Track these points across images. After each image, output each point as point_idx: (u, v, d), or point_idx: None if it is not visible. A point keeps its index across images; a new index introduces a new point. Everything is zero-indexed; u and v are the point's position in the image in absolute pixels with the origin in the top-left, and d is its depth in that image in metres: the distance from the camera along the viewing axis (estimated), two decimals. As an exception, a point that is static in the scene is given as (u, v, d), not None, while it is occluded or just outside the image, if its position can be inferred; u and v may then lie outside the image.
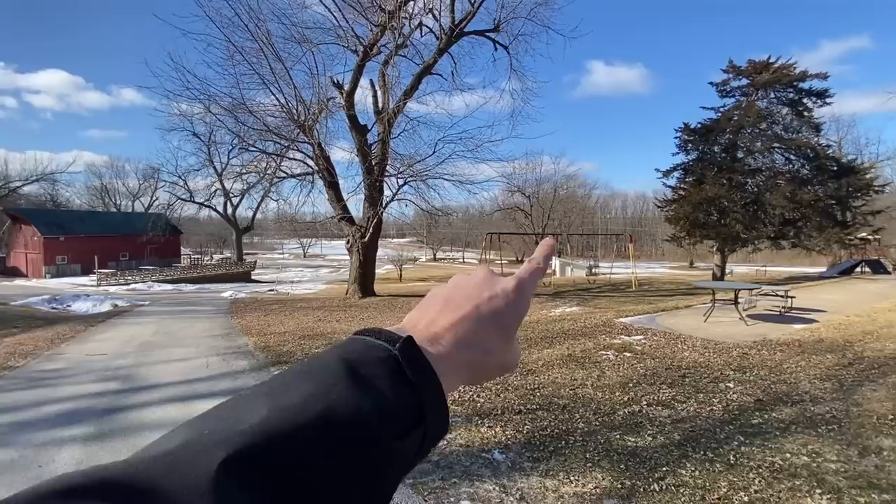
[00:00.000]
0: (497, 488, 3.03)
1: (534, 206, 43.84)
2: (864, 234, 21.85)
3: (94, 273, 29.10)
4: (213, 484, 0.23)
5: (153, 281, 28.66)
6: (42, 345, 7.69)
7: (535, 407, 4.41)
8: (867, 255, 22.60)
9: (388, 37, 14.58)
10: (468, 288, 0.40)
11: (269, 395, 0.29)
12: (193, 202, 36.05)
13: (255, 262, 41.08)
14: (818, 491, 2.85)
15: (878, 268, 21.07)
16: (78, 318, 11.82)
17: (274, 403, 0.28)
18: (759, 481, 2.99)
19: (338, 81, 15.42)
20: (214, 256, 49.12)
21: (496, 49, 16.40)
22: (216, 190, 30.72)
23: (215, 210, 39.18)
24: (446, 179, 16.34)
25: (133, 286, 25.98)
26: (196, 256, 45.25)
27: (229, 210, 40.12)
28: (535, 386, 5.02)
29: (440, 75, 16.57)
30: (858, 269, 21.39)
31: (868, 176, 20.58)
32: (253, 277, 35.42)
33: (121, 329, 9.69)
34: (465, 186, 16.66)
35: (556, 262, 31.81)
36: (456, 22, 15.03)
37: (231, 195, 35.94)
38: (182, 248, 48.30)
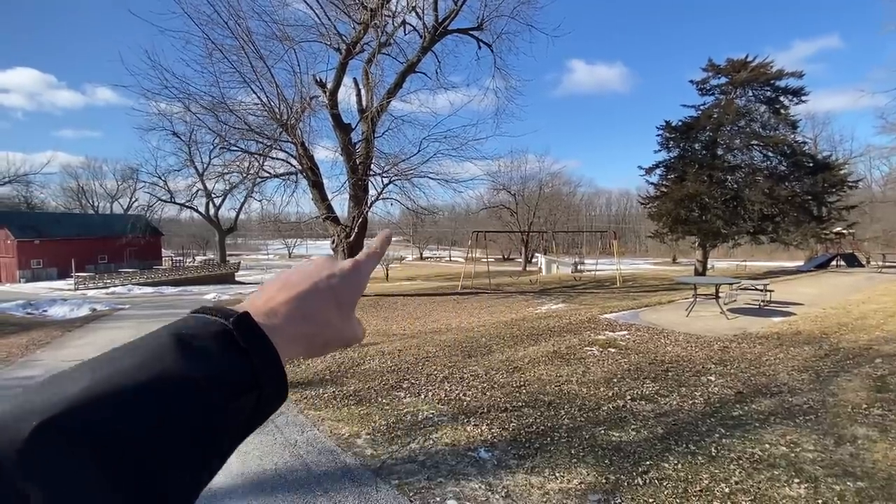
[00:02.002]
0: (483, 487, 3.03)
1: (519, 205, 44.03)
2: (838, 229, 22.45)
3: (72, 276, 28.34)
4: (27, 448, 0.24)
5: (133, 284, 28.05)
6: (16, 351, 7.47)
7: (520, 404, 4.42)
8: (842, 249, 23.22)
9: (372, 35, 14.47)
10: (307, 269, 0.43)
11: (93, 367, 0.29)
12: (174, 203, 35.38)
13: (239, 263, 40.53)
14: (796, 480, 2.92)
15: (852, 261, 21.69)
16: (55, 323, 11.50)
17: (97, 374, 0.28)
18: (740, 472, 3.05)
19: (321, 80, 15.26)
20: (197, 258, 48.25)
21: (480, 47, 16.43)
22: (198, 190, 30.23)
23: (197, 211, 38.53)
24: (431, 178, 16.31)
25: (112, 289, 25.38)
26: (178, 258, 44.40)
27: (211, 211, 39.47)
28: (521, 383, 5.04)
29: (424, 74, 16.53)
30: (834, 262, 21.97)
31: (842, 172, 21.14)
32: (237, 279, 34.94)
33: (100, 333, 9.46)
34: (450, 185, 16.65)
35: (542, 260, 32.00)
36: (439, 20, 14.99)
37: (213, 196, 35.39)
38: (163, 250, 47.36)
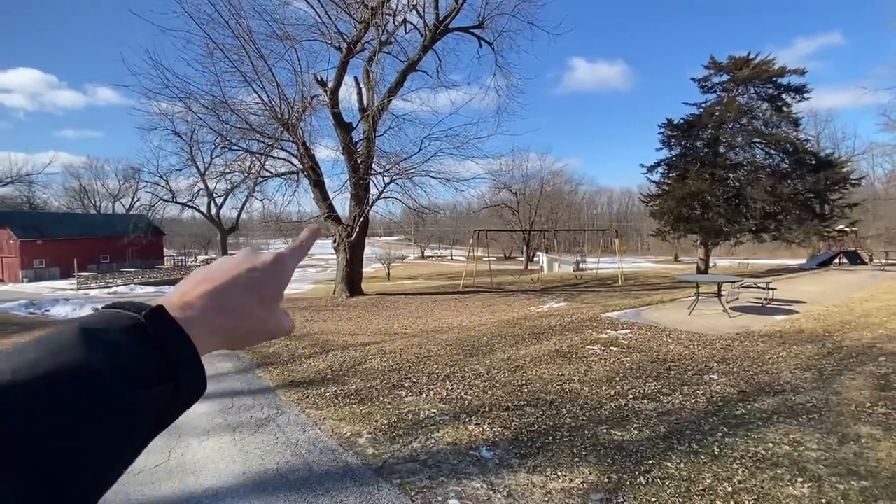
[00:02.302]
0: (485, 486, 3.02)
1: (521, 203, 43.99)
2: (841, 227, 22.37)
3: (74, 276, 28.42)
4: None
5: (135, 283, 28.13)
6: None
7: (522, 403, 4.41)
8: (845, 247, 23.14)
9: (372, 33, 14.48)
10: (228, 264, 0.43)
11: None
12: (176, 203, 35.41)
13: (241, 262, 40.50)
14: (799, 479, 2.90)
15: (855, 259, 21.61)
16: (57, 322, 11.53)
17: (0, 364, 0.28)
18: (743, 471, 3.03)
19: (322, 79, 15.27)
20: (199, 258, 48.34)
21: (481, 46, 16.41)
22: (199, 190, 30.21)
23: (199, 210, 38.54)
24: (433, 177, 16.32)
25: (114, 289, 25.46)
26: (180, 258, 44.50)
27: (213, 210, 39.49)
28: (523, 382, 5.03)
29: (425, 72, 16.53)
30: (837, 260, 21.90)
31: (845, 169, 21.07)
32: (238, 278, 34.93)
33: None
34: (451, 184, 16.66)
35: (543, 259, 31.96)
36: (440, 18, 14.97)
37: (215, 195, 35.36)
38: (165, 250, 47.45)
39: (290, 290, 23.56)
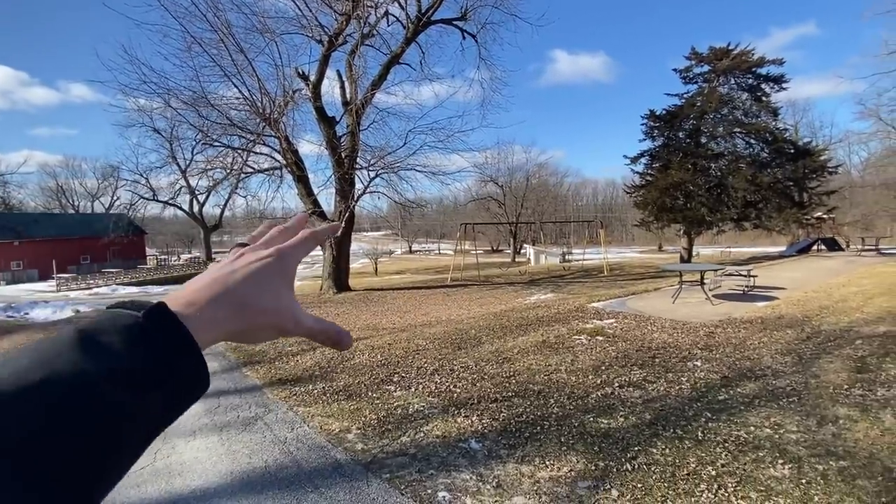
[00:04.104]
0: (474, 477, 3.04)
1: (507, 196, 44.07)
2: (819, 214, 22.89)
3: (53, 278, 27.73)
4: None
5: (117, 284, 27.57)
6: (-4, 356, 7.29)
7: (510, 394, 4.44)
8: (823, 234, 23.68)
9: (354, 26, 14.27)
10: (228, 261, 0.43)
11: None
12: (157, 201, 34.77)
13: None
14: (780, 461, 2.98)
15: (832, 245, 22.13)
16: (37, 325, 11.26)
17: None
18: (726, 455, 3.10)
19: (303, 72, 15.05)
20: (182, 256, 47.56)
21: (464, 38, 16.31)
22: (181, 187, 29.75)
23: (181, 208, 37.91)
24: (418, 171, 16.25)
25: (96, 290, 24.92)
26: (163, 257, 43.72)
27: (195, 208, 38.87)
28: (511, 373, 5.06)
29: (408, 65, 16.39)
30: (815, 247, 22.40)
31: (822, 158, 21.52)
32: (223, 276, 34.49)
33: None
34: (437, 177, 16.60)
35: (530, 251, 32.14)
36: (422, 10, 14.84)
37: (197, 192, 34.78)
38: (147, 249, 46.55)
39: (276, 288, 23.40)
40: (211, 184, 23.79)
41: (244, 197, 22.36)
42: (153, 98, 13.90)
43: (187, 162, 27.44)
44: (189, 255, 47.17)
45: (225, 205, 36.70)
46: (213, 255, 40.58)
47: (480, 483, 2.97)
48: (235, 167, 16.62)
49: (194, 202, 38.20)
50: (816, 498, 2.58)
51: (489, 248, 54.99)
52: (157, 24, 18.15)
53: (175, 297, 0.37)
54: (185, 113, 14.39)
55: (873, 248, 19.68)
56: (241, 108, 14.26)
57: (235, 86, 13.49)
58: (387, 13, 15.14)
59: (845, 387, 4.08)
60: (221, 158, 16.63)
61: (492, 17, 15.67)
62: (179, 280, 30.43)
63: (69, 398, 0.28)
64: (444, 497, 2.85)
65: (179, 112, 14.41)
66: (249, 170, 16.65)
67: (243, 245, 0.46)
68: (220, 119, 14.17)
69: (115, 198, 50.96)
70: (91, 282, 27.94)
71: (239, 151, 15.82)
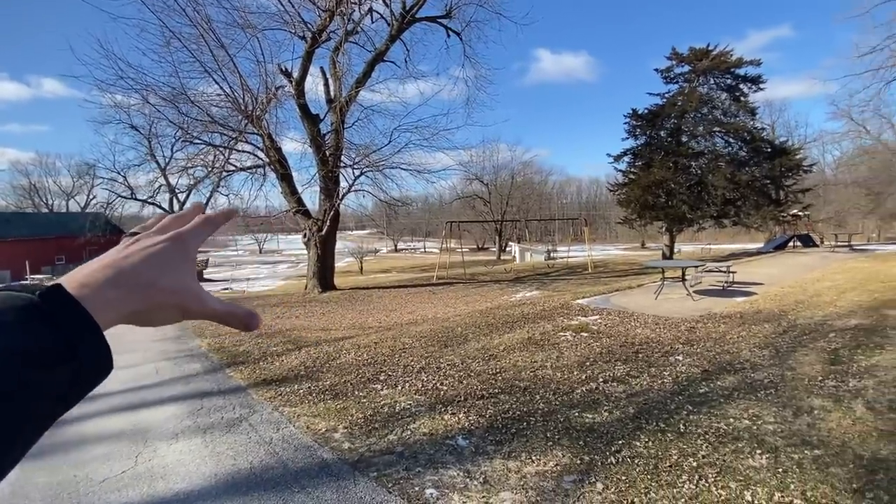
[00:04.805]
0: (461, 474, 3.06)
1: (492, 194, 44.24)
2: (795, 211, 23.53)
3: (27, 279, 26.93)
4: None
5: (95, 285, 26.86)
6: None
7: (497, 391, 4.48)
8: (798, 231, 24.35)
9: (338, 23, 14.16)
10: (122, 246, 0.43)
11: None
12: (136, 199, 33.87)
13: (207, 260, 39.29)
14: (758, 451, 3.06)
15: (807, 241, 22.77)
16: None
17: None
18: (707, 447, 3.17)
19: (286, 69, 14.87)
20: (162, 256, 46.45)
21: (449, 36, 16.30)
22: (160, 186, 29.08)
23: (160, 207, 36.98)
24: (403, 169, 16.19)
25: (72, 291, 24.24)
26: (142, 257, 42.63)
27: (176, 207, 38.02)
28: (497, 370, 5.09)
29: (393, 63, 16.33)
30: (791, 243, 23.01)
31: (798, 157, 22.09)
32: (205, 276, 33.92)
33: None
34: (422, 176, 16.58)
35: (515, 249, 32.31)
36: (407, 8, 14.78)
37: (177, 191, 34.08)
38: (125, 249, 45.36)
39: (260, 287, 23.04)
40: (192, 182, 23.38)
41: (226, 196, 22.00)
42: (130, 94, 13.58)
43: (167, 160, 26.86)
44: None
45: (206, 203, 35.94)
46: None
47: (468, 479, 2.99)
48: (217, 165, 16.35)
49: (174, 201, 37.38)
50: (792, 486, 2.66)
51: (475, 247, 55.12)
52: (135, 18, 17.79)
53: (68, 279, 0.37)
54: (164, 109, 14.10)
55: (846, 244, 20.30)
56: (223, 105, 14.04)
57: (216, 82, 13.28)
58: (371, 10, 15.06)
59: (819, 378, 4.21)
60: (202, 156, 16.35)
61: (476, 15, 15.71)
62: (160, 280, 29.74)
63: None
64: (431, 494, 2.86)
65: (158, 108, 14.12)
66: (231, 168, 16.39)
67: (134, 234, 0.45)
68: (201, 116, 13.93)
69: (91, 196, 49.59)
70: (67, 283, 27.16)
71: (220, 149, 15.56)
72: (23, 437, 0.30)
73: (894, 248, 18.17)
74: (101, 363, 0.34)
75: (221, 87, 13.39)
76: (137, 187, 31.37)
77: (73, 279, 0.37)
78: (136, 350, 7.13)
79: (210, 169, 17.09)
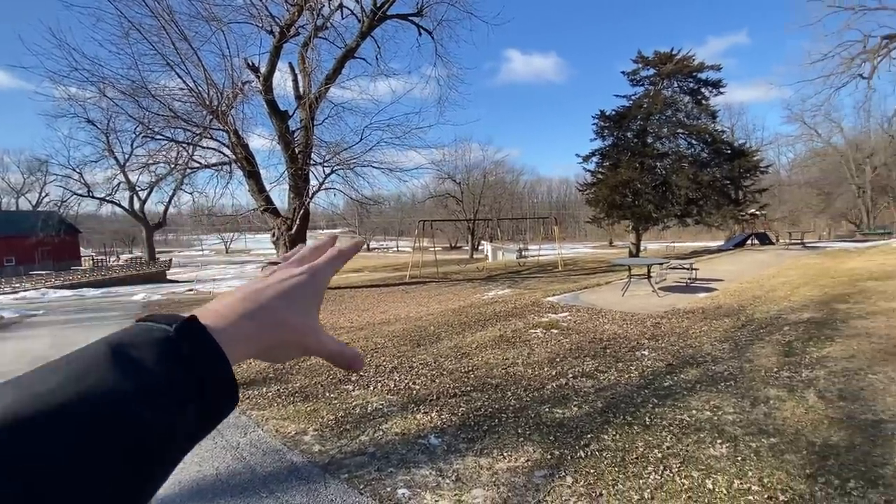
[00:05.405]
0: (433, 472, 3.06)
1: (465, 193, 44.39)
2: (753, 210, 24.64)
3: (-28, 282, 25.28)
4: None
5: (48, 287, 25.48)
6: None
7: (469, 389, 4.50)
8: (756, 229, 25.51)
9: (307, 17, 13.87)
10: (260, 278, 0.43)
11: (18, 384, 0.27)
12: (92, 197, 32.40)
13: (171, 260, 37.89)
14: (719, 441, 3.19)
15: (764, 239, 23.89)
16: (-49, 334, 10.23)
17: (21, 392, 0.26)
18: (671, 438, 3.28)
19: (253, 64, 14.46)
20: (122, 256, 44.62)
21: (420, 34, 16.22)
22: (119, 183, 27.84)
23: (119, 205, 35.52)
24: (375, 167, 16.03)
25: (23, 294, 22.92)
26: (100, 257, 40.83)
27: (136, 205, 36.50)
28: (469, 368, 5.12)
29: (364, 60, 16.12)
30: (749, 241, 24.08)
31: (755, 158, 23.12)
32: (169, 277, 32.71)
33: (7, 343, 8.54)
34: (394, 174, 16.44)
35: (488, 247, 32.53)
36: (378, 4, 14.62)
37: (138, 188, 32.65)
38: (82, 249, 43.38)
39: (227, 288, 22.40)
40: (153, 179, 22.46)
41: (190, 193, 21.28)
42: (86, 86, 12.92)
43: (126, 156, 25.78)
44: (130, 255, 44.34)
45: (169, 201, 34.67)
46: (157, 255, 38.40)
47: (440, 478, 2.99)
48: (180, 162, 15.75)
49: (135, 199, 35.86)
50: (750, 473, 2.78)
51: (448, 245, 55.22)
52: (90, 7, 16.90)
53: (206, 311, 0.37)
54: (122, 103, 13.46)
55: (799, 242, 21.39)
56: (186, 100, 13.53)
57: (179, 76, 12.78)
58: (341, 6, 14.84)
59: (775, 370, 4.42)
60: (165, 152, 15.72)
61: (448, 14, 15.68)
62: (119, 282, 28.56)
63: (102, 418, 0.27)
64: (403, 494, 2.85)
65: (116, 102, 13.47)
66: (196, 165, 15.82)
67: (275, 264, 0.46)
68: (163, 111, 13.37)
69: (43, 194, 47.03)
70: (17, 285, 25.67)
71: (184, 145, 15.00)
72: (153, 483, 0.29)
73: (843, 246, 19.27)
74: (230, 399, 0.34)
75: (185, 81, 12.90)
76: (94, 184, 30.02)
77: (213, 311, 0.37)
78: (93, 355, 6.80)
79: (173, 166, 16.46)
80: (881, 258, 11.91)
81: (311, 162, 15.28)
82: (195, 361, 0.32)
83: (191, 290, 22.60)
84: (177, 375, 0.31)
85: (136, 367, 0.29)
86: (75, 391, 0.27)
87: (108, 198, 31.31)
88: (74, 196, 32.51)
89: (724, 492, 2.63)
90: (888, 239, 20.13)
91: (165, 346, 0.31)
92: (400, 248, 60.15)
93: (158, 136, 14.76)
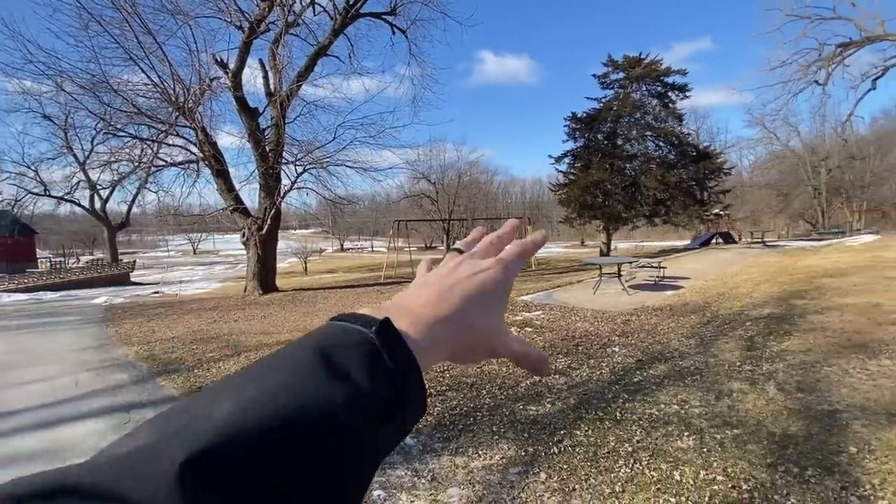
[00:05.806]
0: (409, 473, 3.05)
1: (440, 193, 44.40)
2: (717, 210, 25.57)
3: (-86, 286, 23.71)
4: (174, 487, 0.22)
5: (1, 291, 24.16)
6: None
7: (444, 388, 4.51)
8: (720, 229, 26.50)
9: (278, 13, 13.61)
10: (448, 269, 0.40)
11: (236, 388, 0.27)
12: (49, 196, 30.79)
13: (135, 262, 36.48)
14: (686, 434, 3.29)
15: (728, 238, 24.84)
16: None
17: (240, 397, 0.26)
18: (641, 432, 3.37)
19: (222, 60, 14.06)
20: (82, 258, 42.72)
21: (394, 33, 16.16)
22: (79, 181, 26.73)
23: (79, 205, 33.90)
24: (348, 166, 15.85)
25: (-28, 299, 21.65)
26: (58, 259, 38.92)
27: (98, 204, 34.97)
28: (445, 367, 5.12)
29: (337, 57, 15.93)
30: (714, 240, 24.98)
31: (719, 160, 24.01)
32: (133, 279, 31.50)
33: (-45, 351, 8.04)
34: (368, 174, 16.30)
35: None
36: (351, 2, 14.48)
37: (99, 187, 31.29)
38: (38, 251, 41.24)
39: (195, 290, 21.74)
40: (116, 178, 21.55)
41: (155, 192, 20.42)
42: (42, 80, 12.34)
43: (87, 153, 24.62)
44: (90, 257, 42.47)
45: (133, 201, 33.20)
46: (120, 257, 36.91)
47: (416, 478, 2.99)
48: (145, 160, 15.22)
49: (96, 198, 34.32)
50: (715, 464, 2.89)
51: (423, 246, 55.15)
52: (46, -3, 16.09)
53: (398, 312, 0.35)
54: (82, 98, 12.90)
55: (760, 241, 22.31)
56: (151, 96, 13.06)
57: (143, 70, 12.32)
58: (313, 3, 14.61)
59: (738, 364, 4.60)
60: (128, 150, 15.17)
61: (422, 14, 15.66)
62: (80, 284, 27.31)
63: (320, 429, 0.26)
64: (379, 496, 2.83)
65: (75, 97, 12.90)
66: (161, 163, 15.30)
67: (458, 251, 0.43)
68: (126, 106, 12.86)
69: (-6, 192, 44.52)
70: (-34, 289, 24.22)
71: (148, 143, 14.49)
72: (358, 495, 0.28)
73: (800, 244, 20.23)
74: (421, 408, 0.33)
75: (149, 76, 12.44)
76: (52, 183, 28.57)
77: (404, 311, 0.35)
78: (50, 362, 6.50)
79: (137, 164, 15.87)
80: (835, 256, 12.56)
81: (283, 160, 14.99)
82: (396, 375, 0.31)
83: (156, 292, 21.81)
84: (382, 386, 0.29)
85: (345, 376, 0.28)
86: (292, 400, 0.26)
87: (66, 197, 29.88)
88: (30, 195, 30.83)
89: (691, 483, 2.72)
90: (842, 238, 21.24)
91: (368, 350, 0.30)
92: (375, 249, 59.73)
93: (121, 133, 14.21)
